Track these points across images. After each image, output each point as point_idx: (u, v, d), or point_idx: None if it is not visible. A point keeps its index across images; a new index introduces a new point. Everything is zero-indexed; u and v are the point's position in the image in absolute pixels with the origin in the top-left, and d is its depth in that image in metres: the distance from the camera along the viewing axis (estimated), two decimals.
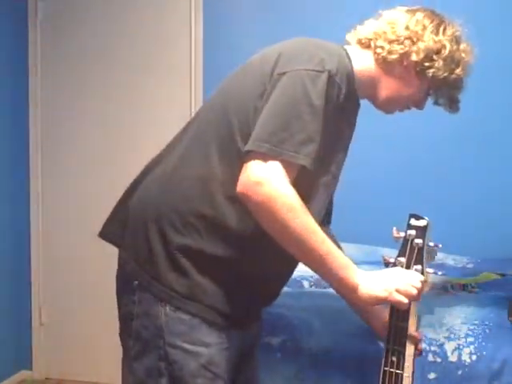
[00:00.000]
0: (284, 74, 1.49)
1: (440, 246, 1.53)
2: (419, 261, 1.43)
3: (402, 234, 1.45)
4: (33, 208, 3.95)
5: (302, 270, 2.89)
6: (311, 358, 2.14)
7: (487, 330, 2.07)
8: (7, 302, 3.87)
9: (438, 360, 2.02)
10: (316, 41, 1.61)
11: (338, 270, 1.45)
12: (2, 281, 3.83)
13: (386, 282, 1.41)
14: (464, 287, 2.57)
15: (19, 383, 3.92)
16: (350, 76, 1.58)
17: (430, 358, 2.03)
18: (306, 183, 1.50)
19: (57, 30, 3.93)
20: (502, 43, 3.15)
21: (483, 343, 2.02)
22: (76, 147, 3.90)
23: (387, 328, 1.46)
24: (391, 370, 1.48)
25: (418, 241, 1.42)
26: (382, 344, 2.10)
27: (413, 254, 1.42)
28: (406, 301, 1.41)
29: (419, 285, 1.42)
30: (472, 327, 2.09)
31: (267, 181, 1.38)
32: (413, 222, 1.47)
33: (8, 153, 3.84)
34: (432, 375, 2.01)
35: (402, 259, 1.42)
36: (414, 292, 1.41)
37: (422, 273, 1.42)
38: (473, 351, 2.01)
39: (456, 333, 2.07)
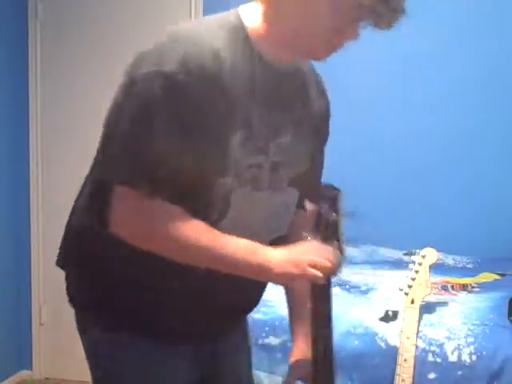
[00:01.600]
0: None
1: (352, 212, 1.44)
2: (334, 234, 1.35)
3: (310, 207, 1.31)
4: (33, 208, 3.95)
5: None
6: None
7: (487, 330, 2.07)
8: (7, 301, 3.87)
9: (438, 360, 2.02)
10: (189, 28, 1.34)
11: (246, 258, 1.26)
12: (2, 280, 3.83)
13: (298, 258, 1.26)
14: (464, 287, 2.57)
15: (19, 383, 3.92)
16: (226, 51, 1.24)
17: (430, 357, 2.03)
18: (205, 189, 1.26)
19: (57, 30, 3.93)
20: (501, 42, 3.15)
21: (483, 343, 2.02)
22: (76, 146, 3.90)
23: (311, 315, 1.37)
24: (321, 361, 1.35)
25: (332, 213, 1.31)
26: (381, 344, 2.10)
27: (327, 228, 1.33)
28: (321, 275, 1.25)
29: (334, 258, 1.28)
30: (472, 327, 2.09)
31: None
32: (326, 193, 1.34)
33: (8, 152, 3.84)
34: (432, 375, 2.01)
35: (315, 234, 1.30)
36: (329, 265, 1.25)
37: (340, 247, 1.33)
38: (473, 351, 2.01)
39: (456, 333, 2.07)
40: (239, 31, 1.28)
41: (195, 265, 1.26)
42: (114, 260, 1.33)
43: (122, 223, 1.24)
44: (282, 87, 1.32)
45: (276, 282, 1.36)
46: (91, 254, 1.37)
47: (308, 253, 1.27)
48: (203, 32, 1.25)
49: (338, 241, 1.35)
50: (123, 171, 1.22)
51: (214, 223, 1.26)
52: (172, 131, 1.20)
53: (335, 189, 1.38)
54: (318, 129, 1.46)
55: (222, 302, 1.39)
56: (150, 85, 1.20)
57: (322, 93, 1.48)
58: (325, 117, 1.50)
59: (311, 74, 1.45)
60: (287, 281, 1.34)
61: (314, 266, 1.25)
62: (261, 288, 1.55)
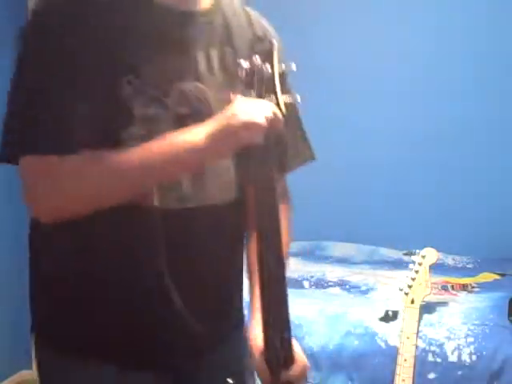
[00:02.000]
0: None
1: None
2: (271, 89, 1.14)
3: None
4: None
5: (302, 270, 2.92)
6: (311, 358, 2.14)
7: (487, 330, 2.07)
8: (7, 301, 3.87)
9: (438, 360, 2.02)
10: None
11: (173, 149, 1.07)
12: (2, 280, 3.83)
13: (227, 124, 1.05)
14: (464, 287, 2.57)
15: (19, 383, 3.92)
16: None
17: (430, 357, 2.03)
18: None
19: None
20: (501, 42, 3.14)
21: (483, 343, 2.02)
22: None
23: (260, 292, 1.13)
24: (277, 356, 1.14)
25: (267, 67, 1.12)
26: (381, 344, 2.10)
27: (262, 83, 1.12)
28: (257, 135, 1.05)
29: (270, 113, 1.07)
30: (472, 327, 2.09)
31: None
32: (259, 47, 1.19)
33: None
34: (432, 375, 2.02)
35: (249, 92, 1.12)
36: (263, 122, 1.04)
37: (278, 102, 1.12)
38: (473, 351, 2.01)
39: (456, 333, 2.07)
40: None
41: (140, 188, 1.10)
42: (59, 278, 1.17)
43: (43, 198, 1.08)
44: (185, 30, 1.16)
45: (211, 160, 1.14)
46: (39, 270, 1.22)
47: (238, 115, 1.05)
48: None
49: (276, 97, 1.14)
50: (22, 141, 1.08)
51: None
52: (49, 79, 1.07)
53: (270, 42, 1.17)
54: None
55: (180, 317, 1.16)
56: (24, 40, 1.12)
57: (264, 35, 1.28)
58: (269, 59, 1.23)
59: (242, 15, 1.27)
60: (222, 155, 1.13)
61: (247, 128, 1.05)
62: (229, 293, 1.29)
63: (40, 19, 1.11)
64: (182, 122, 1.12)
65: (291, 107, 1.20)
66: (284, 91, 1.14)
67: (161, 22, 1.14)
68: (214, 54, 1.18)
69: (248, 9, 1.29)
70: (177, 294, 1.14)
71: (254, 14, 1.29)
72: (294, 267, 2.92)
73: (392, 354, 1.98)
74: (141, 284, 1.13)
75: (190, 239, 1.16)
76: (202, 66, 1.16)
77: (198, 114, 1.13)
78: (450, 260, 3.02)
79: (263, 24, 1.29)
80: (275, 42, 1.14)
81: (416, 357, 1.90)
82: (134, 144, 1.07)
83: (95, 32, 1.09)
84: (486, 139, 3.19)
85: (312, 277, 2.73)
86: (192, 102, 1.14)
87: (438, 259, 2.10)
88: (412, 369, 1.86)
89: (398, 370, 1.88)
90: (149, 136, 1.08)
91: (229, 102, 1.09)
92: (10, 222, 3.89)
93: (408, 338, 1.91)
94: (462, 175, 3.21)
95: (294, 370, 1.17)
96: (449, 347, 2.03)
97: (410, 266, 2.06)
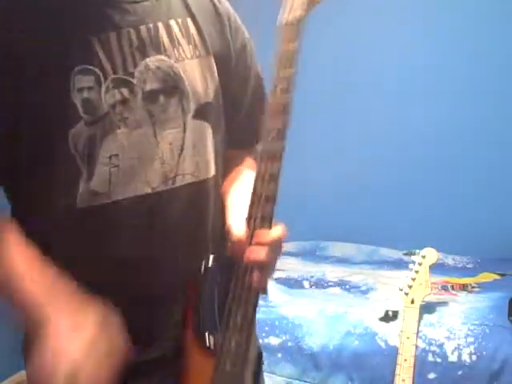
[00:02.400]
0: None
1: None
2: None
3: None
4: None
5: (302, 270, 2.92)
6: (311, 357, 2.14)
7: (487, 330, 2.07)
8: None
9: (438, 360, 2.02)
10: None
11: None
12: None
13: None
14: (464, 287, 2.57)
15: (19, 383, 3.92)
16: None
17: (430, 357, 2.03)
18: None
19: None
20: (501, 42, 3.14)
21: (483, 343, 2.02)
22: None
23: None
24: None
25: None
26: (381, 344, 2.11)
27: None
28: None
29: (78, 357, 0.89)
30: (472, 327, 2.09)
31: None
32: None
33: None
34: (432, 375, 2.02)
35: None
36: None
37: None
38: (473, 351, 2.01)
39: (456, 333, 2.07)
40: None
41: None
42: None
43: None
44: (130, 3, 1.06)
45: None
46: None
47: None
48: None
49: None
50: None
51: (87, 184, 1.02)
52: None
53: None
54: (221, 43, 1.16)
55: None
56: None
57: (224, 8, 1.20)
58: (228, 25, 1.19)
59: None
60: None
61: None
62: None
63: None
64: (154, 99, 1.06)
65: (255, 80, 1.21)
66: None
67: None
68: (175, 26, 1.10)
69: None
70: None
71: None
72: (294, 267, 2.93)
73: (392, 354, 1.98)
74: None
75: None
76: (164, 38, 1.08)
77: (173, 91, 1.07)
78: (450, 260, 3.02)
79: None
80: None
81: (416, 357, 1.90)
82: (86, 141, 1.00)
83: (35, 21, 0.99)
84: (486, 139, 3.19)
85: (312, 277, 2.74)
86: (163, 78, 1.07)
87: (438, 259, 2.10)
88: (412, 369, 1.86)
89: (397, 370, 1.88)
90: (123, 121, 1.03)
91: (193, 71, 1.08)
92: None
93: (408, 338, 1.91)
94: (461, 175, 3.21)
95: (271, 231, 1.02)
96: (449, 347, 2.03)
97: (410, 266, 2.07)
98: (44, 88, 0.99)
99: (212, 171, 1.13)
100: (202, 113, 1.10)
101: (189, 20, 1.12)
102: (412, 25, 3.19)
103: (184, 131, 1.09)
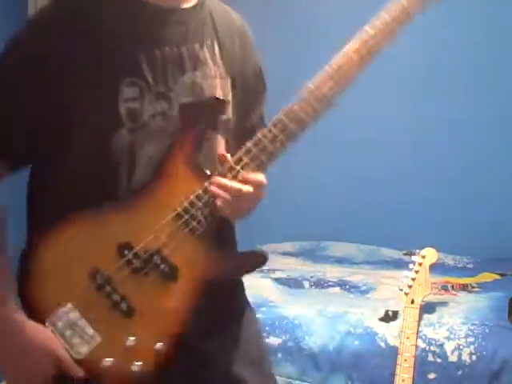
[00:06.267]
0: None
1: None
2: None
3: None
4: None
5: (302, 270, 2.92)
6: (311, 358, 2.14)
7: (487, 330, 2.07)
8: None
9: (438, 360, 2.02)
10: None
11: None
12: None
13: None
14: (464, 287, 2.57)
15: None
16: None
17: (430, 357, 2.03)
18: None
19: None
20: (501, 41, 3.14)
21: (483, 343, 2.02)
22: None
23: None
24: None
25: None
26: (381, 344, 2.10)
27: None
28: None
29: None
30: (472, 327, 2.09)
31: None
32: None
33: None
34: (432, 375, 2.01)
35: None
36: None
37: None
38: (473, 351, 2.01)
39: (456, 333, 2.07)
40: None
41: None
42: None
43: None
44: (173, 24, 1.20)
45: None
46: None
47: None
48: None
49: None
50: None
51: (127, 183, 1.15)
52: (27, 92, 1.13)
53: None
54: (241, 69, 1.30)
55: None
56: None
57: (243, 28, 1.34)
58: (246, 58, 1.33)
59: (223, 11, 1.32)
60: None
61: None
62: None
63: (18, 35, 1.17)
64: (184, 110, 1.18)
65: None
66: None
67: (153, 19, 1.18)
68: (206, 47, 1.23)
69: (222, 4, 1.34)
70: None
71: (230, 9, 1.35)
72: (294, 267, 2.92)
73: (392, 354, 1.98)
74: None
75: None
76: (199, 58, 1.22)
77: (199, 102, 1.20)
78: (449, 260, 3.02)
79: (240, 19, 1.36)
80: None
81: (416, 357, 1.90)
82: (127, 145, 1.14)
83: (89, 36, 1.13)
84: (486, 139, 3.19)
85: (312, 277, 2.73)
86: (195, 93, 1.20)
87: (438, 259, 2.10)
88: (412, 369, 1.86)
89: (397, 370, 1.88)
90: (162, 130, 1.16)
91: (215, 90, 1.21)
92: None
93: (408, 338, 1.91)
94: (461, 175, 3.21)
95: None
96: (449, 347, 2.03)
97: (410, 265, 2.06)
98: (96, 96, 1.12)
99: None
100: (219, 128, 1.24)
101: (215, 42, 1.25)
102: (411, 27, 3.19)
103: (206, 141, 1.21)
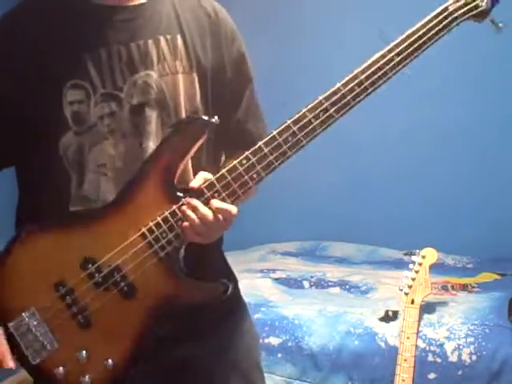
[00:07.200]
0: None
1: None
2: None
3: None
4: None
5: (302, 270, 2.92)
6: (311, 357, 2.14)
7: (487, 330, 2.08)
8: None
9: (438, 360, 2.02)
10: None
11: None
12: None
13: None
14: (464, 287, 2.57)
15: (19, 383, 3.92)
16: None
17: (430, 357, 2.03)
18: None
19: None
20: (501, 42, 3.14)
21: (483, 343, 2.02)
22: None
23: None
24: None
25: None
26: (381, 344, 2.11)
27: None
28: None
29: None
30: (472, 327, 2.09)
31: None
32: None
33: None
34: (432, 375, 2.02)
35: None
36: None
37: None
38: (473, 351, 2.01)
39: (456, 333, 2.07)
40: None
41: None
42: None
43: None
44: (119, 22, 1.16)
45: None
46: None
47: None
48: None
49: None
50: None
51: (78, 189, 1.15)
52: None
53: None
54: (212, 61, 1.23)
55: None
56: None
57: (215, 14, 1.25)
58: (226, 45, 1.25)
59: (195, 4, 1.24)
60: None
61: None
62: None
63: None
64: (140, 112, 1.15)
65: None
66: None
67: (97, 19, 1.15)
68: (163, 42, 1.18)
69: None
70: None
71: (205, 0, 1.26)
72: (294, 267, 2.93)
73: (392, 354, 1.98)
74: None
75: None
76: (153, 54, 1.17)
77: (153, 102, 1.15)
78: (449, 260, 3.02)
79: (216, 9, 1.26)
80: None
81: (416, 357, 1.90)
82: (75, 149, 1.13)
83: (31, 43, 1.13)
84: (486, 139, 3.19)
85: (312, 277, 2.74)
86: (145, 91, 1.15)
87: (438, 259, 2.10)
88: (412, 369, 1.86)
89: (397, 370, 1.88)
90: (110, 132, 1.13)
91: (177, 86, 1.16)
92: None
93: (408, 338, 1.91)
94: (461, 175, 3.21)
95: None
96: (449, 347, 2.03)
97: (410, 265, 2.07)
98: (41, 99, 1.12)
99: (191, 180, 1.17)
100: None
101: (178, 37, 1.19)
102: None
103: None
